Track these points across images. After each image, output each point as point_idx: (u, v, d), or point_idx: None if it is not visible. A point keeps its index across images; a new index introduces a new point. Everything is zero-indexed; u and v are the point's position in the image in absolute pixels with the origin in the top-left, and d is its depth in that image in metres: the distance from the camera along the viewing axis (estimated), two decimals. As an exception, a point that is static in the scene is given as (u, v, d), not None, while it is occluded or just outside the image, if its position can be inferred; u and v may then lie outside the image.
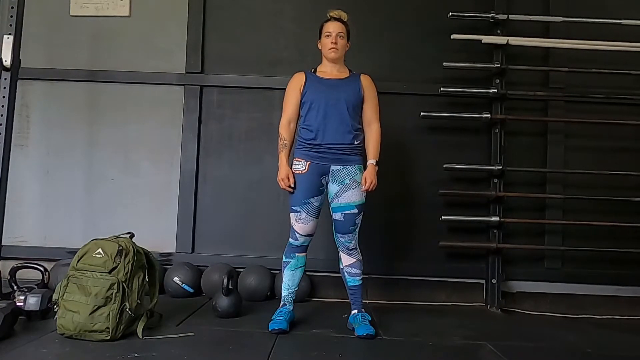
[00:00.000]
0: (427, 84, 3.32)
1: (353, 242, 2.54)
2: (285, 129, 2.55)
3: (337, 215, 2.52)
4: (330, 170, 2.50)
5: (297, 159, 2.53)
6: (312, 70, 2.61)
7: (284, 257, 2.59)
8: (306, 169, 2.49)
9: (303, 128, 2.54)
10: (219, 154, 3.43)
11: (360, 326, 2.44)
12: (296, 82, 2.57)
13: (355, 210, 2.50)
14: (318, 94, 2.51)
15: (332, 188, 2.52)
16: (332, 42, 2.52)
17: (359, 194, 2.50)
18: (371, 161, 2.53)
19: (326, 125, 2.48)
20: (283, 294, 2.58)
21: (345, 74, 2.60)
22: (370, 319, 2.54)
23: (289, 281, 2.57)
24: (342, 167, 2.50)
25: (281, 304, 2.58)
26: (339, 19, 2.56)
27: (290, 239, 2.56)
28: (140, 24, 3.47)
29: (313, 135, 2.49)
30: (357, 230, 2.54)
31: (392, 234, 3.33)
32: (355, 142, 2.52)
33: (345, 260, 2.57)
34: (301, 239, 2.53)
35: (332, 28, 2.53)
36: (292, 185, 2.49)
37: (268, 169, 3.34)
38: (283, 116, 2.57)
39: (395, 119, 3.28)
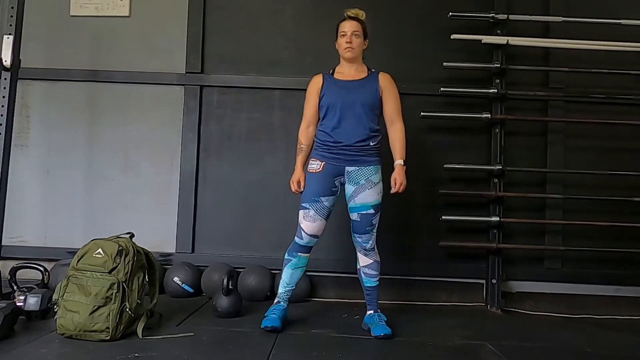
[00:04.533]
0: (427, 84, 3.32)
1: (370, 242, 2.52)
2: (303, 134, 2.58)
3: (354, 216, 2.51)
4: (346, 171, 2.50)
5: (313, 159, 2.55)
6: (331, 71, 2.60)
7: (286, 255, 2.58)
8: (320, 169, 2.50)
9: (320, 130, 2.55)
10: (219, 154, 3.42)
11: (377, 326, 2.43)
12: (314, 86, 2.57)
13: (372, 211, 2.49)
14: (334, 97, 2.51)
15: (349, 189, 2.52)
16: (347, 42, 2.50)
17: (374, 195, 2.49)
18: (399, 161, 2.52)
19: (342, 128, 2.48)
20: (279, 291, 2.58)
21: (363, 73, 2.57)
22: (386, 319, 2.52)
23: (287, 279, 2.57)
24: (357, 168, 2.49)
25: (275, 301, 2.57)
26: (355, 18, 2.54)
27: (296, 237, 2.55)
28: (140, 24, 3.47)
29: (329, 137, 2.50)
30: (374, 230, 2.52)
31: (392, 234, 3.32)
32: (372, 144, 2.51)
33: (363, 261, 2.56)
34: (306, 238, 2.51)
35: (347, 27, 2.51)
36: (301, 190, 2.52)
37: (268, 169, 3.35)
38: (303, 121, 2.60)
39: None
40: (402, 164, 2.51)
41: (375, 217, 2.51)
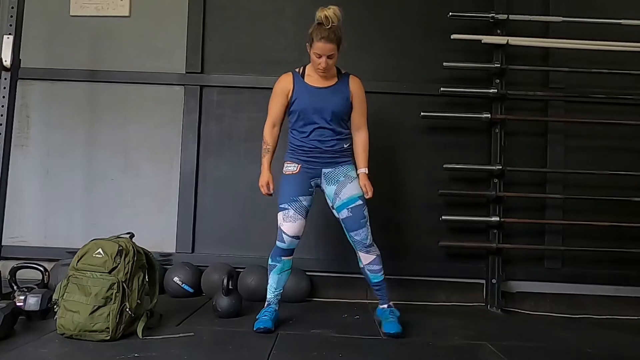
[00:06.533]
0: (427, 84, 3.32)
1: (368, 237, 2.52)
2: (269, 134, 2.56)
3: (344, 213, 2.51)
4: (322, 173, 2.53)
5: (288, 162, 2.56)
6: (301, 70, 2.56)
7: (269, 260, 2.58)
8: (297, 170, 2.52)
9: (292, 135, 2.56)
10: (219, 154, 3.42)
11: (389, 323, 2.45)
12: (283, 87, 2.54)
13: (360, 202, 2.50)
14: (306, 103, 2.50)
15: (330, 189, 2.53)
16: (320, 65, 2.42)
17: (357, 187, 2.52)
18: (363, 170, 2.55)
19: (315, 134, 2.49)
20: (268, 296, 2.58)
21: (334, 79, 2.54)
22: (399, 314, 2.52)
23: (274, 284, 2.57)
24: (333, 169, 2.53)
25: (266, 304, 2.57)
26: (329, 38, 2.36)
27: (277, 242, 2.55)
28: (140, 24, 3.47)
29: (302, 143, 2.51)
30: (368, 223, 2.51)
31: (392, 234, 3.33)
32: (345, 146, 2.55)
33: (365, 258, 2.54)
34: (288, 241, 2.52)
35: (321, 49, 2.38)
36: (271, 193, 2.53)
37: (268, 169, 3.34)
38: (268, 119, 2.57)
39: (395, 119, 3.28)
40: (366, 172, 2.55)
41: (365, 208, 2.51)
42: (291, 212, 2.49)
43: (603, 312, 3.18)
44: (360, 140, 2.58)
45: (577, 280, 3.28)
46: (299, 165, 2.52)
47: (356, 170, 2.57)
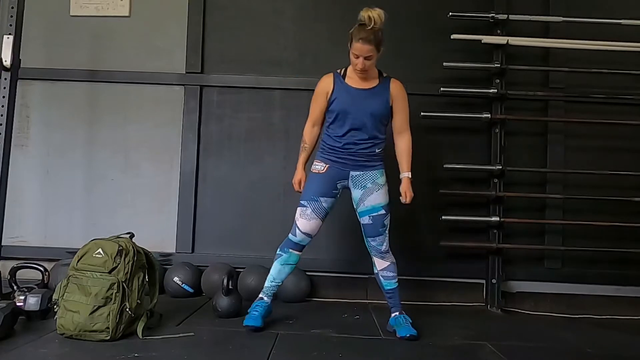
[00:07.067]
0: (427, 84, 3.31)
1: (384, 244, 2.53)
2: (308, 133, 2.58)
3: (365, 219, 2.51)
4: (350, 175, 2.52)
5: (317, 161, 2.56)
6: (343, 71, 2.54)
7: (278, 250, 2.58)
8: (324, 170, 2.51)
9: (327, 134, 2.55)
10: (219, 154, 3.42)
11: (403, 327, 2.44)
12: (324, 87, 2.52)
13: (383, 212, 2.50)
14: (345, 104, 2.47)
15: (356, 193, 2.53)
16: (357, 65, 2.42)
17: (383, 196, 2.51)
18: (406, 174, 2.54)
19: (351, 136, 2.48)
20: (265, 285, 2.57)
21: (375, 80, 2.51)
22: (411, 321, 2.51)
23: (274, 273, 2.56)
24: (362, 172, 2.51)
25: (259, 297, 2.56)
26: (368, 39, 2.33)
27: (290, 234, 2.55)
28: (140, 24, 3.47)
29: (335, 143, 2.50)
30: (386, 232, 2.53)
31: (392, 234, 3.30)
32: (377, 150, 2.53)
33: (379, 264, 2.55)
34: (300, 236, 2.51)
35: (359, 50, 2.36)
36: (302, 191, 2.55)
37: (268, 169, 3.35)
38: (308, 119, 2.59)
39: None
40: (409, 176, 2.54)
41: (386, 218, 2.52)
42: (309, 210, 2.49)
43: (603, 312, 3.19)
44: (404, 143, 2.56)
45: (577, 280, 3.28)
46: (327, 166, 2.51)
47: (385, 176, 2.54)
